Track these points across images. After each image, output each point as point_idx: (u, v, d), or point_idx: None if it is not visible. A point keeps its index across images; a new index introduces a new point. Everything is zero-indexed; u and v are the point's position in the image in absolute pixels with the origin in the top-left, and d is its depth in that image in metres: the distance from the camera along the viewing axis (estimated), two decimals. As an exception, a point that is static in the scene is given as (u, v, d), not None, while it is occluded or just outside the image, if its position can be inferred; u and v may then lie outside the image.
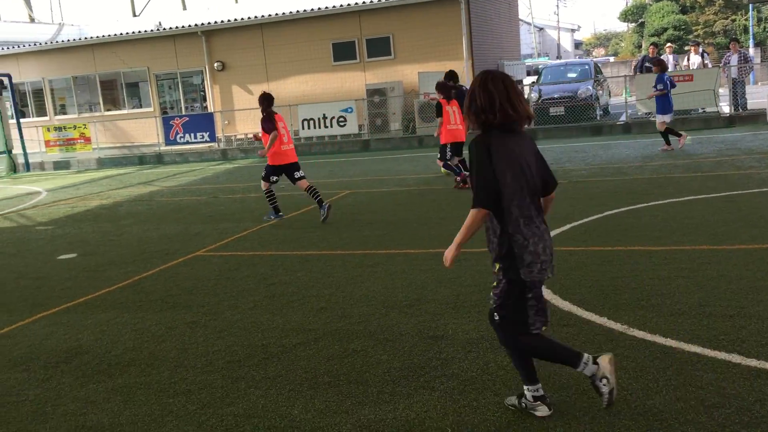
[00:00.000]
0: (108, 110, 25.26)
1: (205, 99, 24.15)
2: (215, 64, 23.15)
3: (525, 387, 3.52)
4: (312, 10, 21.91)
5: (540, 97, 19.85)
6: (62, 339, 5.54)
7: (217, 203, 12.49)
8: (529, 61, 39.82)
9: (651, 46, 20.34)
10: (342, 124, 20.93)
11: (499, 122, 3.28)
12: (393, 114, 20.67)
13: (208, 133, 22.14)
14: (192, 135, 22.20)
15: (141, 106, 25.03)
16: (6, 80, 22.93)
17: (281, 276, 6.92)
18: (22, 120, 24.03)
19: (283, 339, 5.09)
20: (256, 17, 22.57)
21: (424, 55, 21.14)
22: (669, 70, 16.62)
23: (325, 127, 21.06)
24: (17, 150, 23.30)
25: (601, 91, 20.70)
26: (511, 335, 3.42)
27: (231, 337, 5.26)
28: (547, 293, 5.51)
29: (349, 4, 21.67)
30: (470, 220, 3.35)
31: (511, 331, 3.41)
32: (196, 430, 3.77)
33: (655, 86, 14.06)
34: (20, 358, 5.17)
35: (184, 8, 37.84)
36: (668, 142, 13.92)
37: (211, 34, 23.21)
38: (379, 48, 21.57)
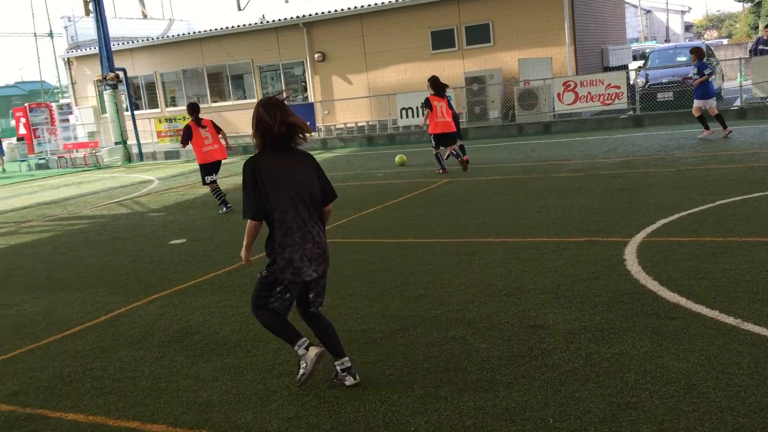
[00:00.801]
0: (214, 102, 26.21)
1: (305, 89, 24.65)
2: (316, 55, 23.58)
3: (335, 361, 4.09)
4: (411, -2, 21.92)
5: (647, 82, 19.10)
6: (174, 319, 5.82)
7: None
8: (635, 45, 38.31)
9: (766, 29, 19.12)
10: (440, 112, 20.85)
11: (271, 142, 3.82)
12: (492, 102, 20.42)
13: (308, 122, 22.50)
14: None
15: (245, 98, 25.83)
16: (121, 74, 24.23)
17: (379, 263, 7.00)
18: (135, 112, 25.32)
19: (383, 325, 5.15)
20: (356, 8, 22.79)
21: (525, 41, 20.73)
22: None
23: (423, 116, 21.01)
24: (131, 140, 24.61)
25: (713, 76, 19.66)
26: (253, 309, 4.09)
27: (331, 320, 5.35)
28: (653, 285, 5.32)
29: (449, -8, 21.53)
30: (247, 227, 3.99)
31: (254, 305, 4.08)
32: (299, 409, 3.88)
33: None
34: (136, 337, 5.48)
35: (286, 1, 38.70)
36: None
37: (312, 25, 23.63)
38: (478, 35, 21.32)
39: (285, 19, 24.44)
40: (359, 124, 22.84)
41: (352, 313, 5.48)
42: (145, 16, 35.57)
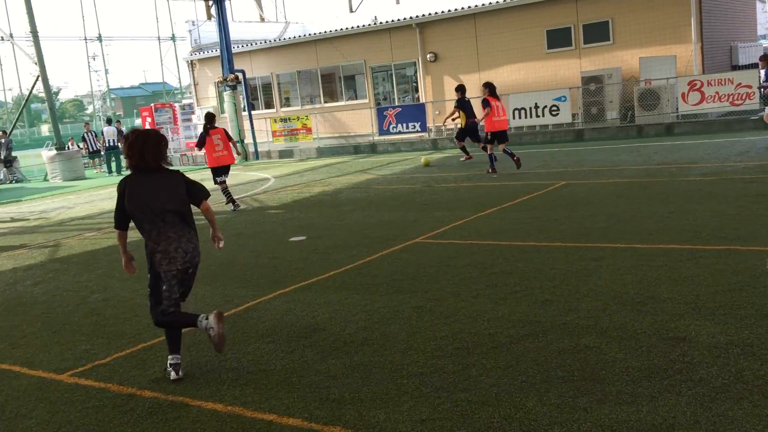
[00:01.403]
0: (327, 102, 26.74)
1: (417, 90, 24.71)
2: (428, 56, 23.59)
3: (169, 356, 4.82)
4: (526, -3, 21.53)
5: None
6: (300, 315, 5.95)
7: (431, 192, 12.73)
8: (766, 42, 36.02)
9: None
10: (555, 113, 20.39)
11: (135, 166, 4.71)
12: (610, 102, 19.74)
13: (419, 123, 22.65)
14: (404, 125, 22.84)
15: (357, 98, 26.20)
16: (240, 76, 25.14)
17: (501, 266, 6.88)
18: (252, 112, 26.21)
19: (510, 329, 5.05)
20: (469, 7, 22.63)
21: (647, 39, 19.91)
22: None
23: (537, 116, 20.64)
24: (248, 140, 25.49)
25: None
26: (154, 315, 4.89)
27: (457, 323, 5.32)
28: None
29: (565, -11, 20.99)
30: (116, 236, 5.03)
31: (154, 312, 4.88)
32: (431, 412, 3.85)
33: None
34: (266, 331, 5.63)
35: (398, 2, 38.97)
36: None
37: (424, 26, 23.67)
38: (597, 33, 20.67)
39: (398, 20, 24.60)
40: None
41: (478, 316, 5.41)
42: (262, 20, 36.77)
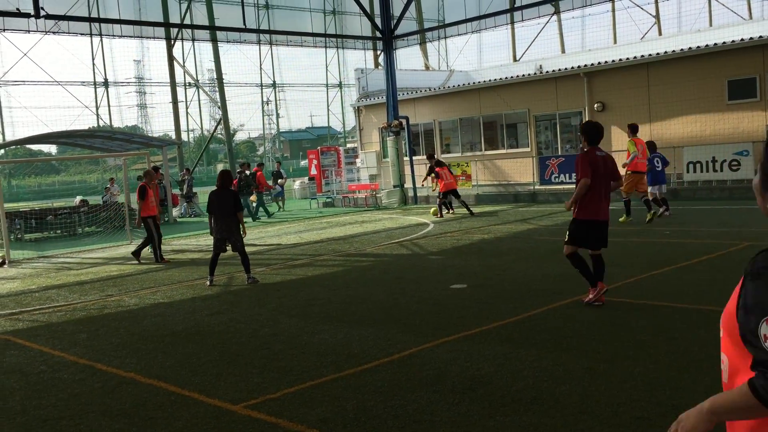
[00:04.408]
0: (488, 150, 26.70)
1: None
2: (595, 105, 22.96)
3: None
4: (706, 46, 20.44)
5: None
6: (464, 366, 5.82)
7: (597, 246, 12.19)
8: None
9: None
10: (735, 167, 19.02)
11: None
12: (799, 158, 18.09)
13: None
14: (567, 175, 22.24)
15: (518, 146, 25.95)
16: (404, 122, 25.76)
17: (682, 331, 6.39)
18: (414, 157, 26.69)
19: (696, 401, 4.62)
20: (643, 56, 21.85)
21: None
22: None
23: (714, 170, 19.35)
24: (408, 184, 25.94)
25: None
26: None
27: (634, 390, 4.97)
28: None
29: (751, 38, 19.71)
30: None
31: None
32: (612, 486, 3.58)
33: None
34: (430, 379, 5.56)
35: (563, 51, 38.50)
36: None
37: (593, 75, 23.11)
38: (786, 84, 19.16)
39: (565, 69, 24.23)
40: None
41: (658, 384, 5.03)
42: (427, 68, 37.66)
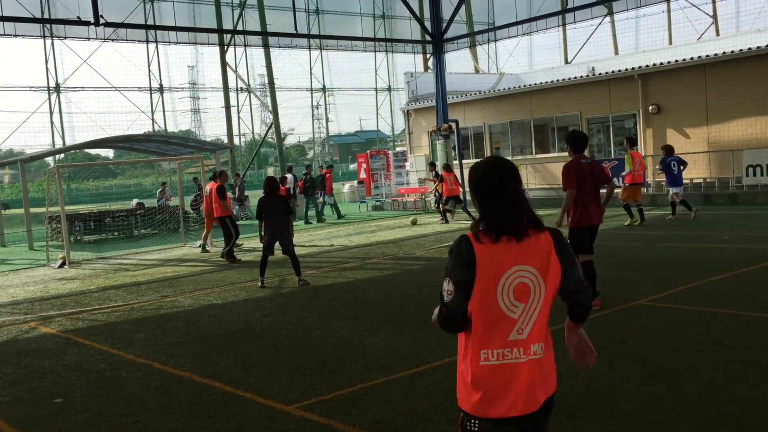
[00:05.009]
0: (538, 153, 26.42)
1: (636, 143, 23.58)
2: (650, 107, 22.50)
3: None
4: (767, 46, 19.84)
5: None
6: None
7: (653, 251, 11.97)
8: None
9: None
10: (796, 171, 18.40)
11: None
12: None
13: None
14: (619, 179, 21.83)
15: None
16: (454, 125, 25.67)
17: (740, 339, 6.22)
18: (463, 161, 26.57)
19: (758, 412, 4.51)
20: (699, 57, 21.32)
21: None
22: None
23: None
24: (457, 188, 25.84)
25: None
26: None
27: (693, 399, 4.86)
28: None
29: (813, 37, 19.06)
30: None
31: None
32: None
33: None
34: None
35: (616, 53, 37.87)
36: None
37: (647, 77, 22.65)
38: None
39: (618, 71, 23.81)
40: (695, 181, 21.14)
41: (717, 393, 4.90)
42: (477, 71, 37.50)
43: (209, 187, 15.71)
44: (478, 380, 2.67)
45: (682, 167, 15.98)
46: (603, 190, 8.03)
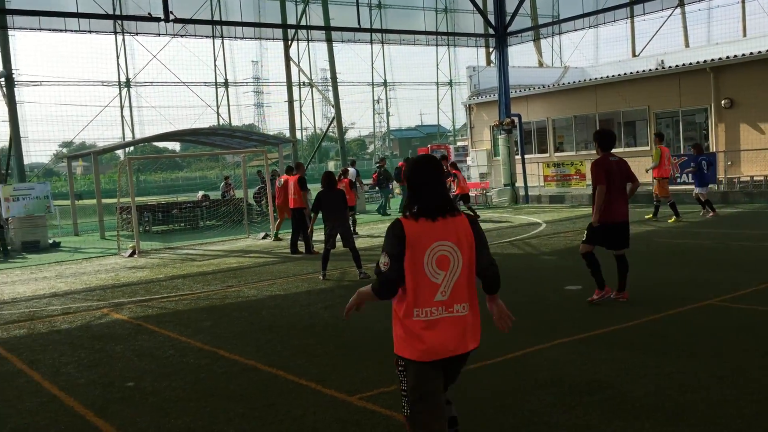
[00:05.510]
0: (603, 148, 25.84)
1: (706, 138, 22.87)
2: (723, 102, 21.76)
3: None
4: None
5: None
6: (581, 369, 5.68)
7: (724, 249, 11.59)
8: None
9: None
10: None
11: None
12: None
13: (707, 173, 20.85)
14: (689, 175, 21.20)
15: (636, 145, 24.99)
16: (516, 120, 25.37)
17: (820, 342, 5.97)
18: (525, 156, 26.24)
19: (839, 419, 4.32)
20: (775, 49, 20.51)
21: None
22: None
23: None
24: (519, 183, 25.54)
25: None
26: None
27: (765, 401, 4.69)
28: None
29: None
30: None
31: None
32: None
33: None
34: (545, 381, 5.46)
35: (687, 45, 36.72)
36: None
37: (720, 70, 21.90)
38: None
39: (689, 64, 23.09)
40: (755, 179, 20.38)
41: (795, 398, 4.71)
42: (541, 65, 36.93)
43: (283, 179, 16.62)
44: (409, 331, 3.40)
45: (711, 167, 16.83)
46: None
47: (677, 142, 23.96)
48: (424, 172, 3.50)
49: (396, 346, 3.51)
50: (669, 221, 15.90)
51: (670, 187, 16.83)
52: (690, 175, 17.96)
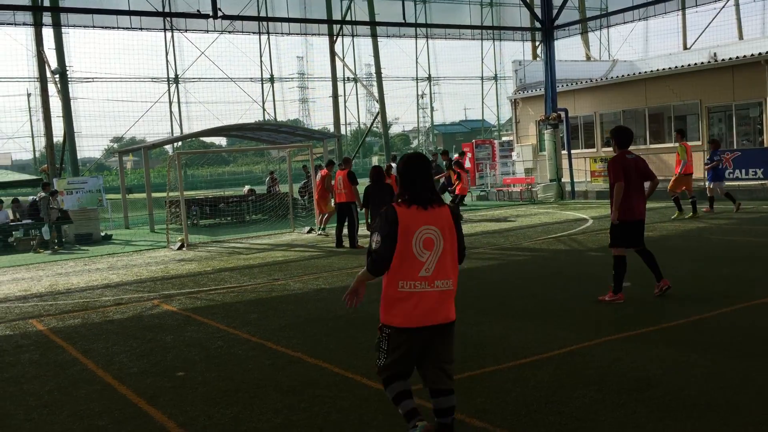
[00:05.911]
0: (653, 143, 25.36)
1: (761, 132, 22.24)
2: (778, 95, 21.13)
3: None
4: None
5: None
6: (629, 367, 5.61)
7: (778, 247, 11.27)
8: None
9: None
10: None
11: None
12: None
13: (762, 169, 20.31)
14: (743, 171, 20.68)
15: (687, 140, 24.40)
16: (563, 114, 25.05)
17: None
18: (572, 151, 25.90)
19: None
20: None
21: None
22: None
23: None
24: (565, 178, 25.23)
25: None
26: None
27: (824, 404, 4.56)
28: None
29: None
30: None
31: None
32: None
33: None
34: (592, 378, 5.41)
35: (740, 38, 35.72)
36: None
37: (775, 62, 21.26)
38: None
39: (743, 56, 22.47)
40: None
41: None
42: (588, 59, 36.37)
43: (322, 173, 16.92)
44: (393, 301, 4.05)
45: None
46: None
47: (730, 137, 23.34)
48: (416, 168, 4.11)
49: (382, 315, 4.12)
50: (672, 216, 16.41)
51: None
52: (709, 172, 17.73)
